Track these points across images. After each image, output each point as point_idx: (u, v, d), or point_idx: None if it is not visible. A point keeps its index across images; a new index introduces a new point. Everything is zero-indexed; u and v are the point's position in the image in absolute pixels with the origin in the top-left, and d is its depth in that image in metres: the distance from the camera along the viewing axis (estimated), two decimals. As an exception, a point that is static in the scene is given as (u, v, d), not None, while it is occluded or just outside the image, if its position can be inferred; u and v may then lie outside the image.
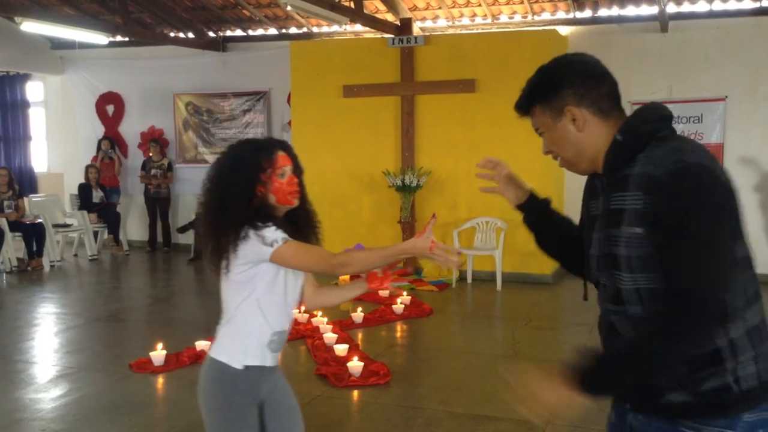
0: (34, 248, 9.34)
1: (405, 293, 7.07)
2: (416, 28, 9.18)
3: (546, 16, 8.97)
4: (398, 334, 6.22)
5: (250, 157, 2.27)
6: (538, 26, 8.86)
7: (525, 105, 1.78)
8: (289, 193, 2.32)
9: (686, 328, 1.51)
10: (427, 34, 9.03)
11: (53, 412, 4.33)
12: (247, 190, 2.24)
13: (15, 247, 9.37)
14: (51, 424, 4.17)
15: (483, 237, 8.15)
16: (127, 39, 10.57)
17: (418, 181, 8.28)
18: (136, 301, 7.88)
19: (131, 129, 11.18)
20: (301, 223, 2.41)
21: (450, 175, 8.41)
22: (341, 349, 5.22)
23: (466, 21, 9.37)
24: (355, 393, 4.60)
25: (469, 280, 8.15)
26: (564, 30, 8.73)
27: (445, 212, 8.47)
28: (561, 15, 8.89)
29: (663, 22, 8.24)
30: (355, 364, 4.80)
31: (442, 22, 9.44)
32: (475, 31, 9.20)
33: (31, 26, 8.62)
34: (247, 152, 2.29)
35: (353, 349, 5.34)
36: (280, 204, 2.32)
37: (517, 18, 9.09)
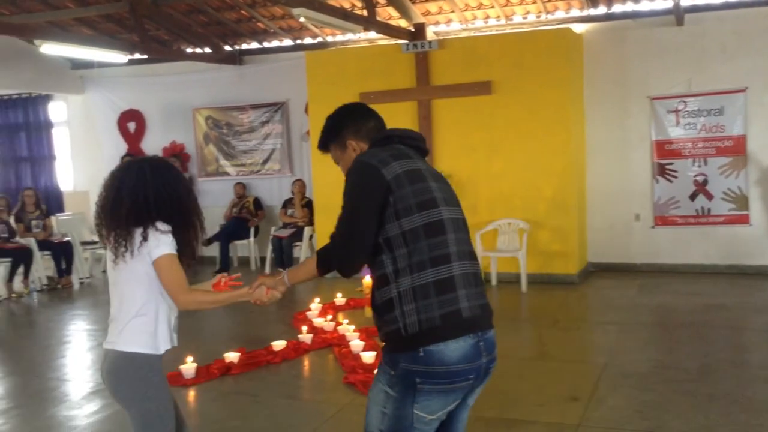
0: (63, 266, 9.49)
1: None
2: (430, 32, 9.20)
3: (560, 14, 8.94)
4: (425, 340, 6.21)
5: (182, 177, 2.71)
6: (552, 25, 8.84)
7: (323, 146, 2.51)
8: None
9: None
10: (441, 38, 9.05)
11: (87, 429, 4.39)
12: (172, 200, 2.58)
13: (44, 265, 9.54)
14: (87, 440, 4.24)
15: (505, 239, 8.13)
16: (145, 56, 10.70)
17: (438, 185, 8.28)
18: (164, 315, 7.97)
19: (153, 145, 11.31)
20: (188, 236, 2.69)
21: (469, 178, 8.41)
22: (369, 357, 5.24)
23: (479, 23, 9.37)
24: (384, 400, 4.61)
25: (494, 283, 8.14)
26: (579, 27, 8.70)
27: (467, 215, 8.41)
28: (575, 13, 8.86)
29: (678, 15, 8.18)
30: (383, 372, 4.81)
31: (455, 26, 9.45)
32: (489, 33, 9.20)
33: (50, 48, 8.78)
34: (178, 172, 2.71)
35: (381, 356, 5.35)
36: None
37: (531, 18, 9.08)
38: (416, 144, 2.43)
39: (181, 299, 2.55)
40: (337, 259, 2.32)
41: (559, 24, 8.81)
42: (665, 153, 8.52)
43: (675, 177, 8.50)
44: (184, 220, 2.62)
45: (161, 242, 2.50)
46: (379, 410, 2.26)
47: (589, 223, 8.75)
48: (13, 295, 8.91)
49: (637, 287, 7.81)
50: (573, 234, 8.14)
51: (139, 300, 2.54)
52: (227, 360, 5.43)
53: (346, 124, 2.45)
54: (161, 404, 2.59)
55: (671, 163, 8.50)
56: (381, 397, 2.25)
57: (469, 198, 8.45)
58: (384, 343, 2.28)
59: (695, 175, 8.41)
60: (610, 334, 6.01)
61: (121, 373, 2.55)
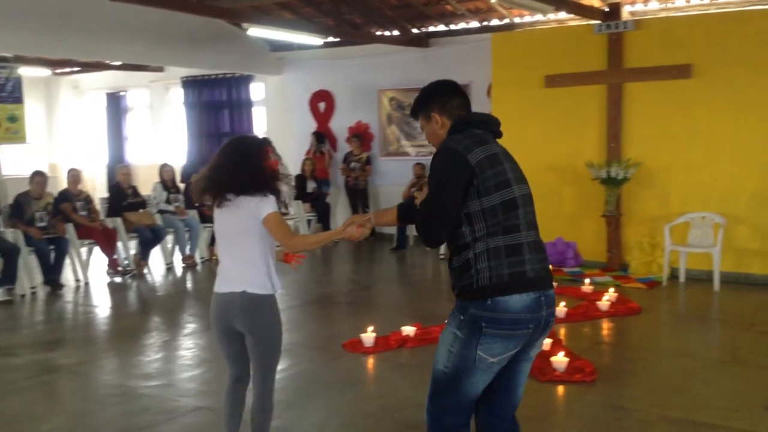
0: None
1: (611, 290, 6.82)
2: (625, 12, 8.75)
3: (776, -9, 8.12)
4: (604, 332, 6.01)
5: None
6: (763, 5, 8.05)
7: (412, 113, 2.86)
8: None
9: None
10: (638, 18, 8.58)
11: (277, 384, 4.73)
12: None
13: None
14: (275, 395, 4.56)
15: (698, 233, 7.59)
16: (337, 39, 11.16)
17: (626, 173, 7.91)
18: (343, 286, 8.38)
19: (340, 124, 11.84)
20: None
21: (662, 167, 7.95)
22: (545, 343, 5.15)
23: (680, 2, 8.77)
24: (560, 388, 4.55)
25: (682, 279, 7.66)
26: (797, 6, 7.87)
27: (656, 206, 8.03)
28: (794, -11, 8.01)
29: None
30: (560, 359, 4.74)
31: (653, 5, 8.92)
32: (690, 13, 8.58)
33: (256, 31, 9.46)
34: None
35: (557, 344, 5.27)
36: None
37: (741, -4, 8.34)
38: (492, 129, 2.74)
39: (291, 243, 3.17)
40: (424, 232, 2.65)
41: (773, 2, 8.01)
42: None
43: None
44: (278, 189, 3.20)
45: (270, 204, 3.12)
46: (446, 349, 2.60)
47: (796, 221, 7.93)
48: (215, 257, 9.80)
49: None
50: (776, 233, 7.44)
51: (259, 252, 3.15)
52: (404, 333, 5.61)
53: (434, 99, 2.77)
54: (281, 328, 3.30)
55: None
56: (450, 338, 2.60)
57: (658, 188, 8.02)
58: (458, 296, 2.63)
59: None
60: (817, 343, 5.45)
61: (261, 311, 3.18)
